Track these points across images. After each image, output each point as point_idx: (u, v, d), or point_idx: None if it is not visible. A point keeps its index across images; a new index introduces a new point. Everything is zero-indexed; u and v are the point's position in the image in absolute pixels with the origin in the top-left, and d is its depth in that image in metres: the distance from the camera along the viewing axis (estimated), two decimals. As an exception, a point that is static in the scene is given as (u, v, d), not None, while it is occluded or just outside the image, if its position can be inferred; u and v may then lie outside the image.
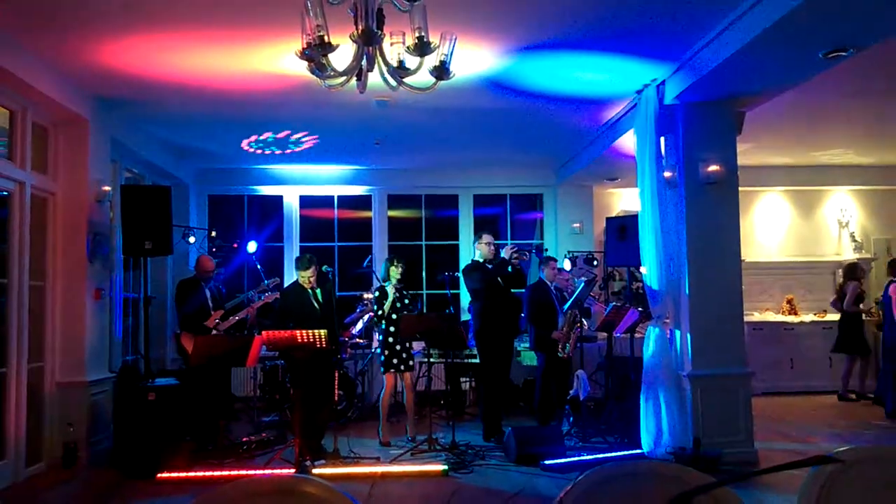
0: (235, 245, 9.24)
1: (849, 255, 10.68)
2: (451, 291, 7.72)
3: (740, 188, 6.42)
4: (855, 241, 10.74)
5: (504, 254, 7.04)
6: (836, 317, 9.50)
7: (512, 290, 7.24)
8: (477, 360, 7.69)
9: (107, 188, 6.78)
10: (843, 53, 4.94)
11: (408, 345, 6.98)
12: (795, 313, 10.30)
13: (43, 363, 6.22)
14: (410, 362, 7.03)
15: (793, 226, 10.94)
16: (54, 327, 6.33)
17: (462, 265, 10.28)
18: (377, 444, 6.88)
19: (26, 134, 5.99)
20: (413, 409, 7.20)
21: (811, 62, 5.18)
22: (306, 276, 6.61)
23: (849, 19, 4.46)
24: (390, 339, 6.89)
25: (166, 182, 8.80)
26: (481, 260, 7.11)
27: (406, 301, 7.03)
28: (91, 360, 6.48)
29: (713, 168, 6.21)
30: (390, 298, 6.92)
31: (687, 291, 6.24)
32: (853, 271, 9.34)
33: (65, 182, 6.49)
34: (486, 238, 7.15)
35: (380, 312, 6.94)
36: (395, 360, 6.90)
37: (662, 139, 6.41)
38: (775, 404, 8.66)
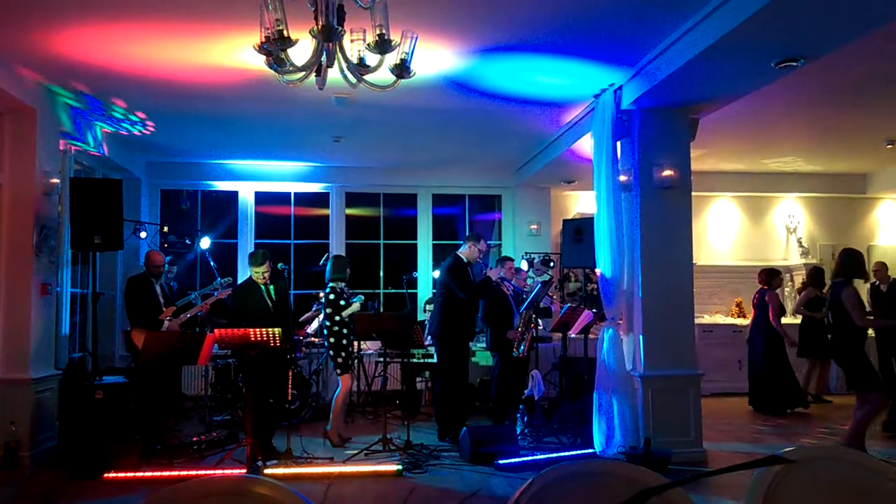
0: (187, 241, 9.03)
1: (796, 260, 11.01)
2: (409, 291, 7.68)
3: (693, 193, 6.54)
4: (802, 246, 11.06)
5: (492, 275, 7.16)
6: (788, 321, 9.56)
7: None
8: (433, 360, 7.68)
9: (55, 180, 6.59)
10: (795, 63, 5.06)
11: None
12: (744, 316, 10.52)
13: (-16, 360, 6.03)
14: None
15: (743, 231, 11.22)
16: (-3, 322, 6.14)
17: (419, 265, 10.31)
18: (330, 444, 6.74)
19: (-30, 122, 5.80)
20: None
21: (763, 71, 5.31)
22: (260, 272, 6.42)
23: (800, 30, 4.57)
24: (343, 342, 6.78)
25: (117, 175, 8.60)
26: (465, 260, 7.11)
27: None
28: (36, 357, 6.29)
29: (667, 173, 6.32)
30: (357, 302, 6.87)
31: (640, 293, 6.33)
32: (816, 278, 9.15)
33: (11, 173, 6.30)
34: (483, 245, 7.26)
35: (337, 318, 6.79)
36: (350, 361, 6.90)
37: (619, 143, 6.50)
38: (724, 405, 8.85)
